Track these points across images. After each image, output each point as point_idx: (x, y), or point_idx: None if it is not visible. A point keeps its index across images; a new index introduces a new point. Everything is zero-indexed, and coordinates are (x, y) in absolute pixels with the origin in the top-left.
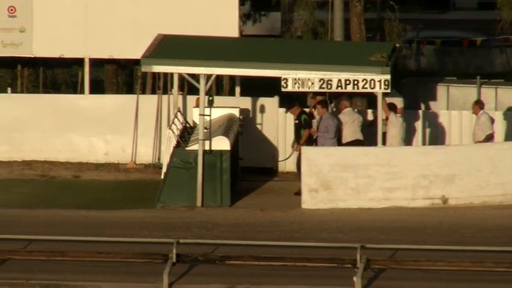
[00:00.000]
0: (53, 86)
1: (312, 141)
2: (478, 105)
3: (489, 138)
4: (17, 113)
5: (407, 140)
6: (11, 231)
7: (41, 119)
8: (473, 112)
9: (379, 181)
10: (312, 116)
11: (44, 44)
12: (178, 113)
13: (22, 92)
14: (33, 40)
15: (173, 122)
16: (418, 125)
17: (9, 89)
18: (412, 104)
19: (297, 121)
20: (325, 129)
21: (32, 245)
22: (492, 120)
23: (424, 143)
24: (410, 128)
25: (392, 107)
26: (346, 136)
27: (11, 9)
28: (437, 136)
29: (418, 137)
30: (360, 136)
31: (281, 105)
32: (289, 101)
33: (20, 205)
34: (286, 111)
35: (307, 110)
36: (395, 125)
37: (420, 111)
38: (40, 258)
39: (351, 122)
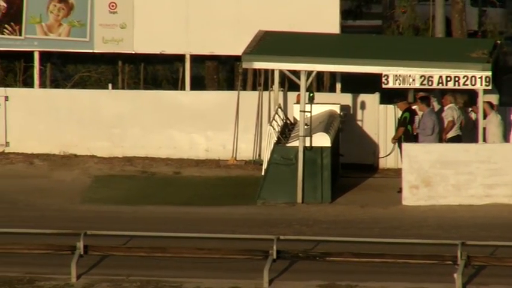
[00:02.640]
0: (154, 82)
1: (412, 139)
2: None
3: None
4: (117, 109)
5: (505, 137)
6: (112, 228)
7: (141, 115)
8: None
9: (479, 178)
10: (415, 113)
11: (145, 40)
12: (279, 109)
13: (123, 88)
14: (134, 36)
15: (274, 119)
16: None
17: (110, 85)
18: None
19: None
20: (423, 126)
21: (133, 241)
22: None
23: None
24: (507, 124)
25: (490, 105)
26: (450, 132)
27: (112, 6)
28: None
29: None
30: (459, 132)
31: (382, 101)
32: (398, 96)
33: (120, 201)
34: (394, 104)
35: (415, 107)
36: (494, 122)
37: None
38: (140, 254)
39: (456, 119)
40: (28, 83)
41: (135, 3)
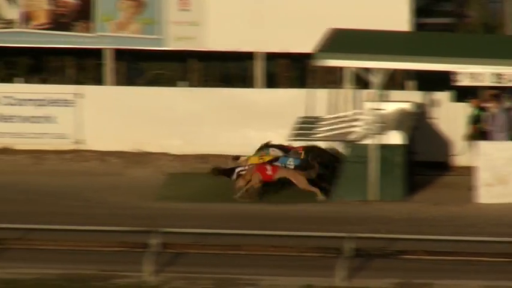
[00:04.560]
0: (226, 80)
1: (484, 137)
2: None
3: None
4: (190, 106)
5: None
6: (184, 225)
7: (214, 113)
8: None
9: None
10: (487, 111)
11: (217, 38)
12: (358, 108)
13: (195, 86)
14: (207, 34)
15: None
16: None
17: (182, 83)
18: None
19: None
20: (495, 123)
21: (206, 239)
22: None
23: None
24: None
25: None
26: None
27: (185, 3)
28: None
29: None
30: None
31: (454, 99)
32: (470, 94)
33: (193, 199)
34: (466, 102)
35: (488, 105)
36: None
37: None
38: (214, 252)
39: None
40: (100, 81)
41: (207, 0)
